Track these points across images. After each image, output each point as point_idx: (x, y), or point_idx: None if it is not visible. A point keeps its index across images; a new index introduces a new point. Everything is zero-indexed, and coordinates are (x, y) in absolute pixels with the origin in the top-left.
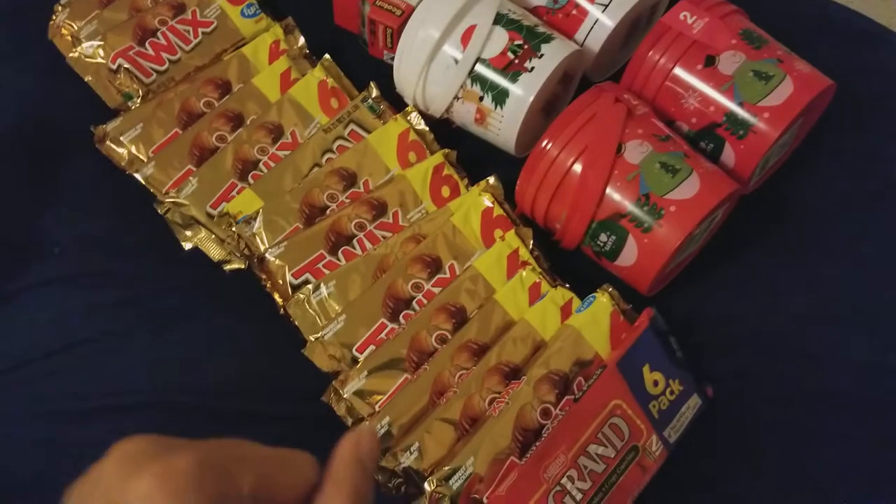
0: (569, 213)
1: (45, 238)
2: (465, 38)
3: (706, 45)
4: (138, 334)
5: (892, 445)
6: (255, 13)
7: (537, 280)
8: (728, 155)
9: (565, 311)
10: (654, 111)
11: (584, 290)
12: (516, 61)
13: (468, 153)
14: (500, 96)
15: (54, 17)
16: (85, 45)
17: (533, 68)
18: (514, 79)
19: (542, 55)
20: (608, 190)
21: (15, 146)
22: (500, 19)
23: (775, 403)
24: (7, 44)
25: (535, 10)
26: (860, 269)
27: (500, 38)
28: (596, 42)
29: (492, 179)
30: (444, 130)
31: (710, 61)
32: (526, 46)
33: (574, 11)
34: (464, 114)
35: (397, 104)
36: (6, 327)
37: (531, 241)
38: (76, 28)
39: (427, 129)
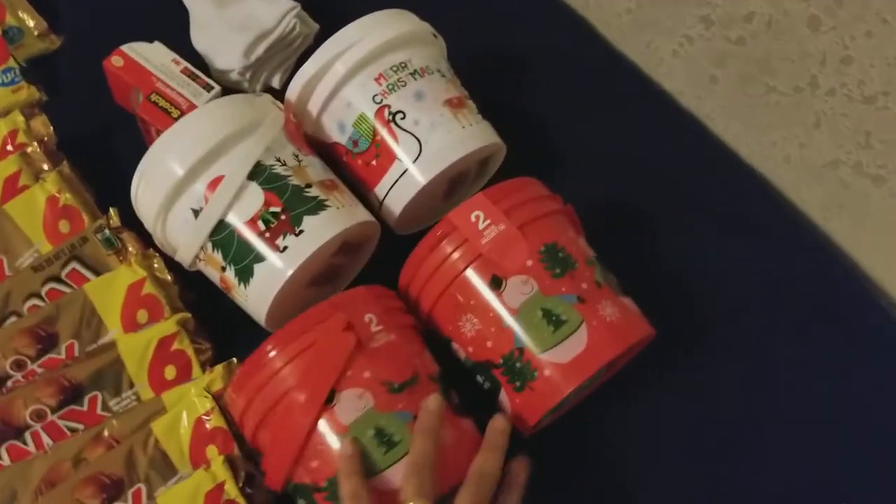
0: (267, 454)
1: None
2: (211, 189)
3: (494, 262)
4: None
5: None
6: (13, 80)
7: None
8: (505, 401)
9: None
10: (432, 323)
11: None
12: (267, 234)
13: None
14: (244, 274)
15: None
16: None
17: (286, 248)
18: (260, 258)
19: (300, 231)
20: (307, 449)
21: None
22: (258, 173)
23: None
24: None
25: (332, 148)
26: None
27: (254, 200)
28: (400, 199)
29: (235, 361)
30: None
31: (497, 284)
32: (283, 217)
33: (375, 161)
34: (210, 275)
35: (148, 236)
36: None
37: (243, 474)
38: None
39: (170, 279)
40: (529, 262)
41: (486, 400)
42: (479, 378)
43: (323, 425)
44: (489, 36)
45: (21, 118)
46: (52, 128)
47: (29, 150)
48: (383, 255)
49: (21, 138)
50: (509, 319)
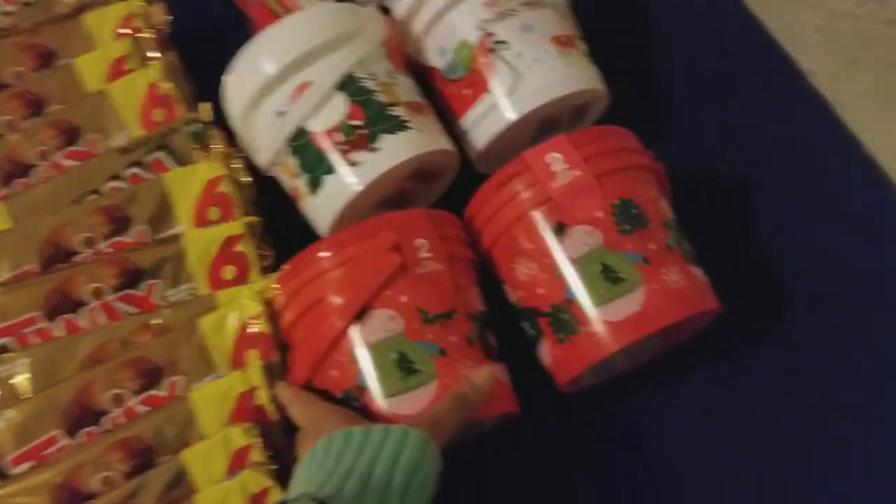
0: (293, 351)
1: None
2: (297, 95)
3: (563, 208)
4: None
5: None
6: None
7: (267, 486)
8: (544, 351)
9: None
10: (489, 262)
11: None
12: (345, 146)
13: None
14: (314, 184)
15: None
16: None
17: (358, 164)
18: (331, 170)
19: (376, 149)
20: (330, 358)
21: None
22: (347, 84)
23: None
24: None
25: (429, 73)
26: None
27: (338, 110)
28: (484, 133)
29: (288, 267)
30: None
31: (560, 230)
32: (363, 131)
33: (467, 90)
34: (283, 182)
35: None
36: None
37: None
38: None
39: (250, 181)
40: (599, 214)
41: (530, 348)
42: (525, 324)
43: (349, 339)
44: None
45: (141, 3)
46: (168, 18)
47: (141, 35)
48: (460, 191)
49: (137, 23)
50: (565, 268)
